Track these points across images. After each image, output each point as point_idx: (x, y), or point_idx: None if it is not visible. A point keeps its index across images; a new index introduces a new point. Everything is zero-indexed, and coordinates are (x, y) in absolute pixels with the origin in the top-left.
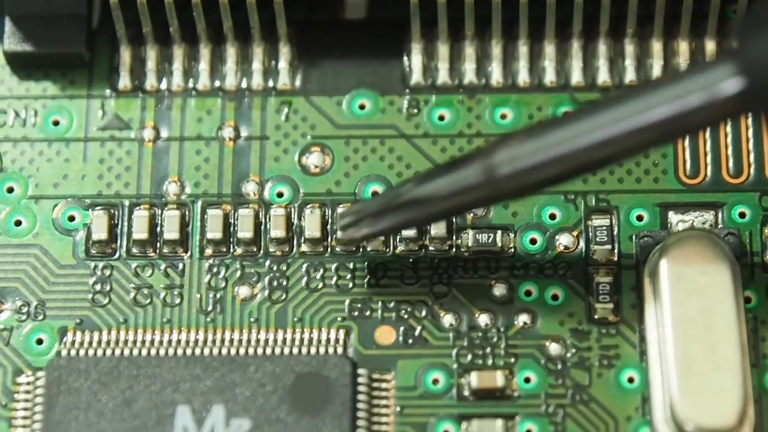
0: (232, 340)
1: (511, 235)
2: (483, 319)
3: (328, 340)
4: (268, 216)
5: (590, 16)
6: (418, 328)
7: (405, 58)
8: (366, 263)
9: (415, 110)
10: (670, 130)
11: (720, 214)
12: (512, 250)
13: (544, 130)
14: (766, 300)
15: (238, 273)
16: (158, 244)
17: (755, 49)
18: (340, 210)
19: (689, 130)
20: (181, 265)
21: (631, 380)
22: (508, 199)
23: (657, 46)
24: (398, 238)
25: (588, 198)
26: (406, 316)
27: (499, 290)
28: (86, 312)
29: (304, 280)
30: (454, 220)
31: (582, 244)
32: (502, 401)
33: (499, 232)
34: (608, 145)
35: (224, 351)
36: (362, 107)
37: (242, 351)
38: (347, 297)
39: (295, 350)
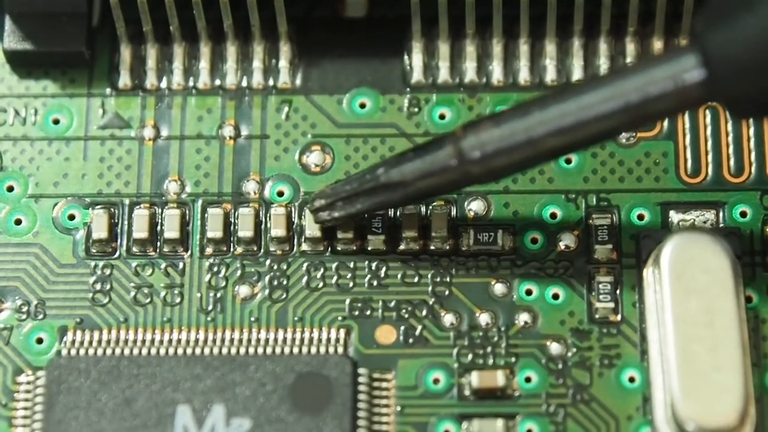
0: (232, 340)
1: (512, 235)
2: (484, 319)
3: (328, 340)
4: (268, 215)
5: (591, 14)
6: (419, 328)
7: (406, 57)
8: (366, 262)
9: (416, 109)
10: (635, 117)
11: (721, 213)
12: (513, 249)
13: (513, 116)
14: (767, 299)
15: (239, 272)
16: (158, 243)
17: (715, 40)
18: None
19: (653, 118)
20: (181, 264)
21: (632, 380)
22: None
23: (658, 45)
24: (399, 236)
25: (589, 197)
26: (406, 316)
27: (499, 289)
28: (86, 311)
29: (305, 279)
30: (454, 219)
31: (583, 243)
32: (502, 401)
33: (500, 231)
34: (574, 131)
35: (224, 350)
36: (363, 106)
37: (242, 350)
38: (348, 296)
39: (296, 350)
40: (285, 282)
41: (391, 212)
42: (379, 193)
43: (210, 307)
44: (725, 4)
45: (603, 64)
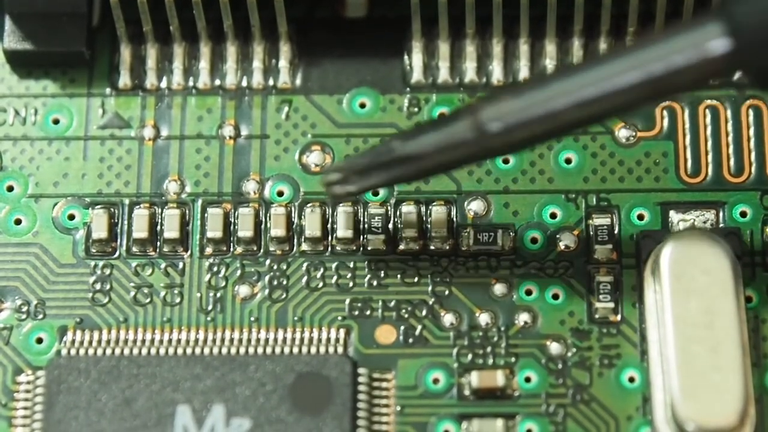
0: (232, 340)
1: (512, 234)
2: (483, 319)
3: (328, 340)
4: (268, 215)
5: (591, 14)
6: (419, 328)
7: (406, 57)
8: (366, 262)
9: (416, 109)
10: (658, 89)
11: (721, 213)
12: (513, 249)
13: (532, 87)
14: (767, 299)
15: (239, 272)
16: (158, 243)
17: (741, 9)
18: (344, 208)
19: (676, 89)
20: (181, 264)
21: (631, 380)
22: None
23: None
24: (399, 236)
25: (589, 197)
26: (406, 316)
27: (499, 289)
28: (86, 311)
29: (305, 279)
30: (454, 219)
31: (583, 243)
32: (502, 401)
33: (500, 231)
34: (596, 102)
35: (224, 350)
36: (363, 106)
37: (242, 350)
38: (348, 296)
39: (296, 350)
40: (285, 282)
41: (391, 212)
42: (395, 166)
43: (210, 307)
44: None
45: None
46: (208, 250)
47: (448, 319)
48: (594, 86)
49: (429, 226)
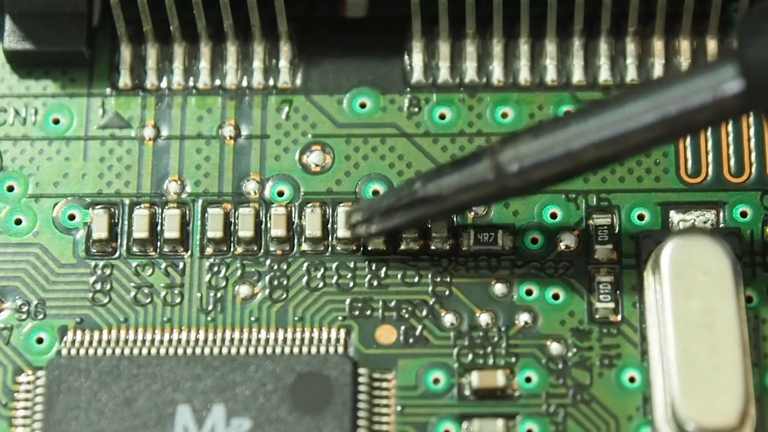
0: (232, 340)
1: (512, 235)
2: (484, 319)
3: (328, 340)
4: (268, 215)
5: (591, 14)
6: (419, 328)
7: (406, 57)
8: (367, 262)
9: (416, 109)
10: (673, 129)
11: (721, 213)
12: (513, 249)
13: (551, 128)
14: (767, 299)
15: (239, 272)
16: (159, 243)
17: (754, 51)
18: (344, 208)
19: (692, 129)
20: (181, 264)
21: (632, 380)
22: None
23: (658, 45)
24: (399, 236)
25: (589, 197)
26: (406, 316)
27: (500, 289)
28: (86, 311)
29: (305, 279)
30: (455, 219)
31: (583, 243)
32: (502, 401)
33: (500, 231)
34: (613, 143)
35: (225, 350)
36: (363, 106)
37: (243, 350)
38: (348, 296)
39: (296, 350)
40: (285, 282)
41: None
42: (417, 207)
43: (210, 307)
44: (764, 16)
45: (603, 64)
46: (209, 250)
47: (448, 319)
48: (611, 127)
49: (429, 226)
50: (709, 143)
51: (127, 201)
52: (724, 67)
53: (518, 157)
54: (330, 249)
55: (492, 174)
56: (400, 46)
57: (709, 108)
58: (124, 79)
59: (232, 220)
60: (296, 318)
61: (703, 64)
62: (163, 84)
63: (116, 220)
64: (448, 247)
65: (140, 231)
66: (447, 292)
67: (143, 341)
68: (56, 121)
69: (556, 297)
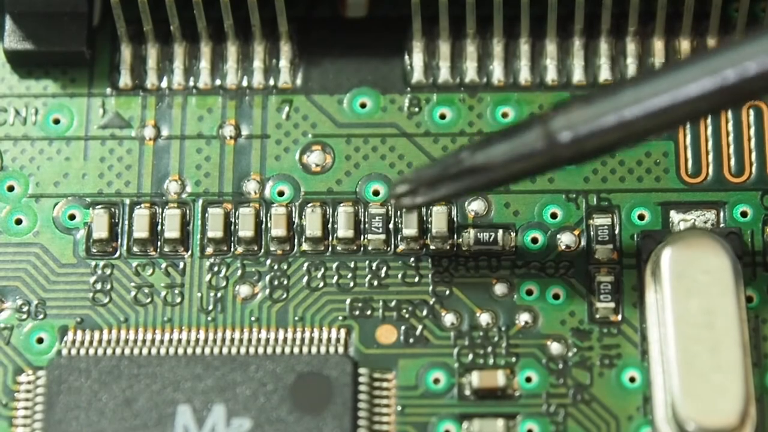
0: (233, 340)
1: (513, 234)
2: (484, 319)
3: (329, 340)
4: (268, 215)
5: (592, 14)
6: (419, 328)
7: (406, 57)
8: (367, 262)
9: (417, 109)
10: (731, 97)
11: (722, 213)
12: (513, 249)
13: (604, 96)
14: (767, 299)
15: (239, 272)
16: (159, 243)
17: None
18: (345, 208)
19: (750, 95)
20: (181, 264)
21: (632, 380)
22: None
23: (659, 45)
24: (400, 236)
25: (589, 197)
26: (407, 316)
27: (500, 289)
28: (87, 311)
29: (305, 279)
30: (455, 219)
31: (583, 243)
32: (503, 401)
33: (501, 230)
34: (668, 111)
35: (225, 350)
36: (363, 106)
37: (243, 350)
38: (348, 296)
39: (296, 350)
40: (285, 282)
41: (391, 212)
42: (464, 177)
43: (210, 307)
44: None
45: (604, 64)
46: (209, 250)
47: (448, 319)
48: (665, 95)
49: (430, 225)
50: (710, 143)
51: (127, 201)
52: None
53: (570, 125)
54: (330, 249)
55: (543, 143)
56: (401, 46)
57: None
58: (125, 79)
59: (233, 220)
60: (296, 318)
61: (761, 28)
62: (164, 84)
63: (116, 220)
64: (448, 247)
65: (140, 231)
66: (447, 292)
67: (143, 341)
68: (56, 121)
69: (556, 297)
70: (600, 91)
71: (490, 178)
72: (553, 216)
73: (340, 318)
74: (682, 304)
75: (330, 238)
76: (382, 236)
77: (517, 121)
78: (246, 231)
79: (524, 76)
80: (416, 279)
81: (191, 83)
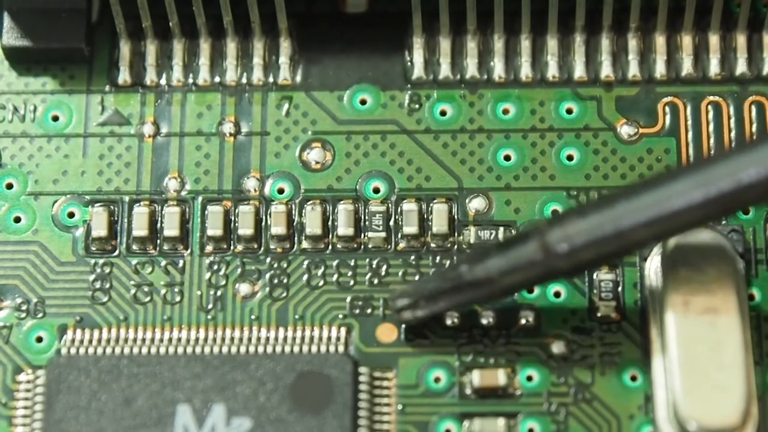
0: (232, 338)
1: (514, 232)
2: (485, 317)
3: (329, 338)
4: (268, 212)
5: (593, 10)
6: (420, 326)
7: (406, 53)
8: (367, 260)
9: (417, 105)
10: (726, 206)
11: None
12: None
13: (599, 208)
14: None
15: (239, 270)
16: (158, 241)
17: None
18: (345, 206)
19: (747, 203)
20: (181, 262)
21: (633, 378)
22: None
23: (660, 41)
24: (400, 234)
25: (591, 194)
26: None
27: None
28: (86, 309)
29: (305, 277)
30: (456, 216)
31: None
32: (504, 400)
33: (501, 228)
34: (663, 221)
35: (225, 349)
36: (363, 102)
37: (243, 349)
38: (348, 294)
39: (296, 348)
40: (285, 280)
41: (392, 209)
42: (464, 290)
43: (210, 306)
44: None
45: (605, 60)
46: (209, 248)
47: (449, 317)
48: (661, 205)
49: (430, 223)
50: (711, 139)
51: (126, 198)
52: None
53: (567, 237)
54: (330, 247)
55: (540, 255)
56: (401, 42)
57: (764, 183)
58: (124, 76)
59: (232, 218)
60: (297, 316)
61: (754, 138)
62: (163, 81)
63: (116, 218)
64: (449, 245)
65: (140, 229)
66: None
67: (143, 340)
68: (55, 118)
69: (557, 295)
70: (594, 203)
71: (490, 291)
72: (555, 214)
73: (341, 316)
74: (683, 302)
75: (330, 235)
76: (383, 234)
77: (513, 235)
78: (246, 229)
79: (525, 72)
80: (417, 277)
81: (190, 80)
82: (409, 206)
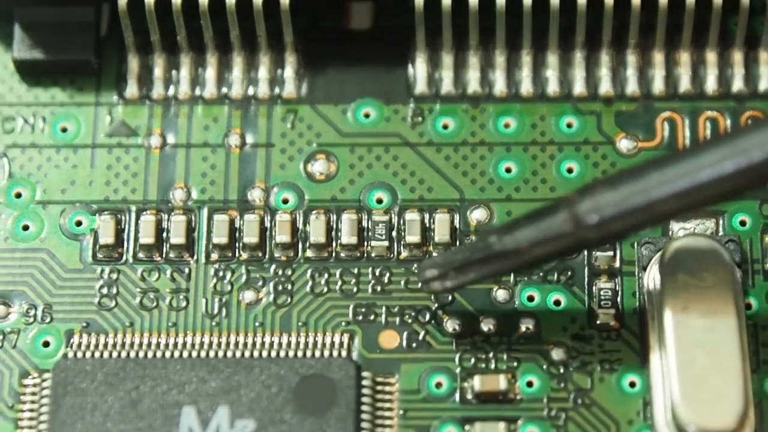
0: (237, 344)
1: None
2: (486, 324)
3: (332, 344)
4: (273, 222)
5: (593, 26)
6: (422, 333)
7: (410, 68)
8: (370, 268)
9: (420, 119)
10: (757, 177)
11: (721, 222)
12: None
13: (629, 178)
14: (766, 306)
15: (244, 277)
16: (165, 249)
17: None
18: (349, 215)
19: None
20: (187, 270)
21: (632, 384)
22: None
23: (659, 57)
24: (402, 244)
25: None
26: (409, 321)
27: (501, 295)
28: (93, 315)
29: (309, 284)
30: (457, 227)
31: (584, 250)
32: (504, 405)
33: None
34: (693, 192)
35: (229, 354)
36: (367, 115)
37: (247, 354)
38: (351, 301)
39: (300, 354)
40: (289, 287)
41: (395, 219)
42: (493, 261)
43: (215, 312)
44: None
45: (605, 76)
46: (214, 255)
47: (450, 324)
48: (691, 176)
49: (432, 233)
50: None
51: (133, 208)
52: None
53: (597, 208)
54: (334, 255)
55: (570, 226)
56: (404, 57)
57: None
58: (132, 89)
59: (238, 227)
60: (300, 323)
61: None
62: (170, 93)
63: (123, 226)
64: None
65: (146, 237)
66: (449, 298)
67: (149, 345)
68: (64, 130)
69: (557, 303)
70: (625, 173)
71: (519, 262)
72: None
73: (344, 323)
74: (681, 310)
75: (334, 244)
76: (385, 243)
77: (543, 207)
78: (251, 237)
79: (526, 87)
80: (419, 285)
81: (197, 93)
82: (412, 216)
